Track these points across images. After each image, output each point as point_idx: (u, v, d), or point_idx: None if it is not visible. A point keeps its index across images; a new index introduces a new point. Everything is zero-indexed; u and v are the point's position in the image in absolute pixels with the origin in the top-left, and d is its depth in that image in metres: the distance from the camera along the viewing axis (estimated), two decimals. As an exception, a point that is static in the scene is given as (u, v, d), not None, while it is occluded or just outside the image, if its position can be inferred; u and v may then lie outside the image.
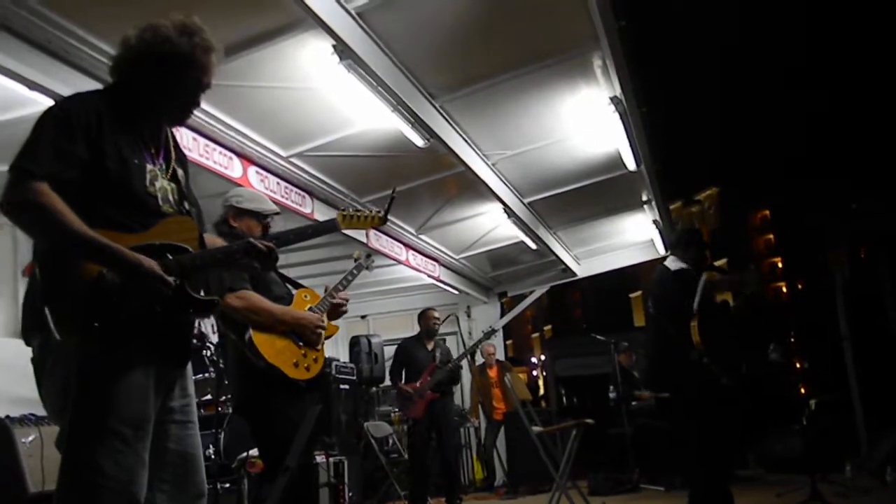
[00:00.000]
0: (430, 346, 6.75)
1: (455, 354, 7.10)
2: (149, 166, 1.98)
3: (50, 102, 3.79)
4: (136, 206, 1.92)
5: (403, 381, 6.66)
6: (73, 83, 3.80)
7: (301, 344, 3.12)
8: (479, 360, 9.09)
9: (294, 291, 3.39)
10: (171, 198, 2.02)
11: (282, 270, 3.41)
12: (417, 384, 6.48)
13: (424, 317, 6.88)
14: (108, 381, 1.83)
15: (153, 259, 1.86)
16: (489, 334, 7.22)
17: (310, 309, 3.29)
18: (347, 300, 3.47)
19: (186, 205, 2.08)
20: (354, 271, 3.71)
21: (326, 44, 4.16)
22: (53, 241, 1.81)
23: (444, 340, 9.83)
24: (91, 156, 1.86)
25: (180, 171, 2.11)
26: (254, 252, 2.08)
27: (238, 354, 3.14)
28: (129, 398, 1.84)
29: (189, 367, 2.12)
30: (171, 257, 1.92)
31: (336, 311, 3.39)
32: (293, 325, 3.11)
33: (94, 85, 3.83)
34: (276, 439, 3.07)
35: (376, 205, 2.57)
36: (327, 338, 3.30)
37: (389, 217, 2.62)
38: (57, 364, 1.85)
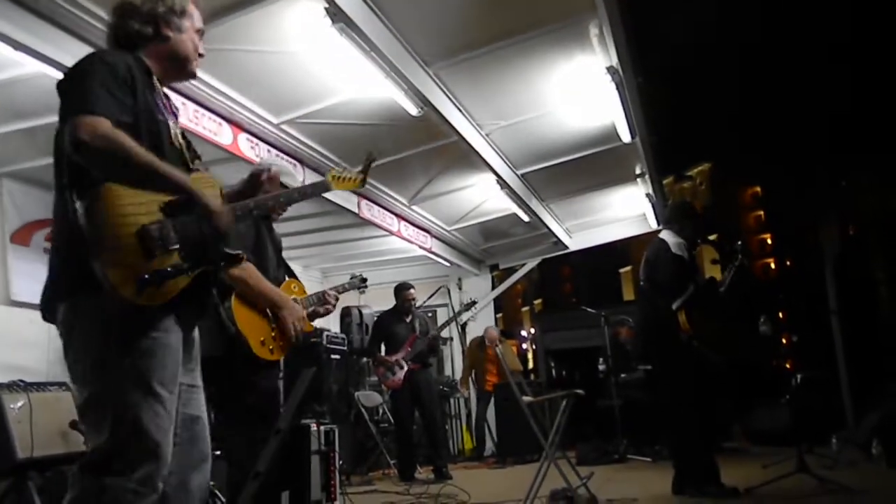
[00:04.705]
0: (408, 319, 6.71)
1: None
2: (170, 121, 2.01)
3: (36, 64, 3.73)
4: (168, 161, 1.92)
5: (383, 354, 6.65)
6: (60, 44, 3.72)
7: (275, 326, 3.10)
8: (476, 333, 9.12)
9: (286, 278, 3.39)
10: (186, 154, 2.05)
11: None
12: (399, 355, 6.48)
13: (401, 294, 6.83)
14: (150, 342, 1.83)
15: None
16: (469, 306, 7.22)
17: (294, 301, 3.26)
18: (335, 304, 3.52)
19: (198, 163, 2.10)
20: (347, 285, 3.97)
21: (318, 5, 4.07)
22: (134, 174, 1.78)
23: (435, 312, 9.89)
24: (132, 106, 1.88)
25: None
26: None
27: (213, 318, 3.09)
28: (167, 360, 1.86)
29: (196, 331, 2.11)
30: None
31: (316, 314, 3.43)
32: (278, 306, 3.09)
33: (81, 46, 3.75)
34: (247, 408, 3.07)
35: (370, 176, 2.56)
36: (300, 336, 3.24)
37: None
38: (94, 324, 1.81)
